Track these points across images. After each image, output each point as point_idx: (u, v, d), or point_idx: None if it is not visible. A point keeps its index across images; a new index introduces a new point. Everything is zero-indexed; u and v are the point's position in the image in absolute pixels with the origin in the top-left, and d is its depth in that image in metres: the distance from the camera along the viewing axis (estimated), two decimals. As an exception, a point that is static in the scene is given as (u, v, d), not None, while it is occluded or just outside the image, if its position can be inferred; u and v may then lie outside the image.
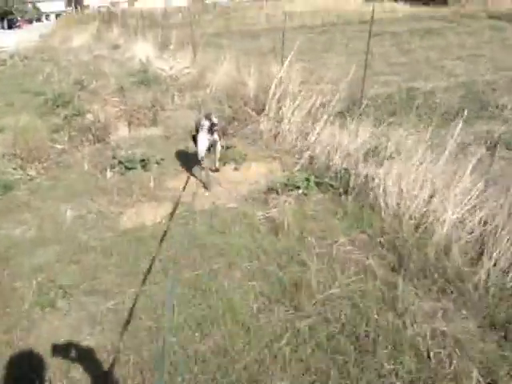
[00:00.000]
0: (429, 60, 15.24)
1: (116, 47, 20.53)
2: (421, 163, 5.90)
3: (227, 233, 5.68)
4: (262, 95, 9.37)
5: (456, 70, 13.55)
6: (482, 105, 9.80)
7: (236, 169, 7.37)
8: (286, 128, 8.08)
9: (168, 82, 11.84)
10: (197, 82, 12.06)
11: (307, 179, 6.54)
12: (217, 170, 7.18)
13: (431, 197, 5.52)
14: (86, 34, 26.08)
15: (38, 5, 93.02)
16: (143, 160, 7.60)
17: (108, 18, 31.15)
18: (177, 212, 6.17)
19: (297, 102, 8.22)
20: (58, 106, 12.04)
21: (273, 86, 8.79)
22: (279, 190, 6.33)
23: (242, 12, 46.02)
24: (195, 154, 6.79)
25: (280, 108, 8.59)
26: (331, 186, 6.47)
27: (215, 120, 6.56)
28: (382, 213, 5.69)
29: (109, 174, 7.39)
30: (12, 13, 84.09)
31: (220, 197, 6.54)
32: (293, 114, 8.13)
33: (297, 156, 7.57)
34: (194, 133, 6.87)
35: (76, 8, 53.65)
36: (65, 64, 17.82)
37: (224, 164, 7.47)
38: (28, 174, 7.76)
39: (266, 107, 8.69)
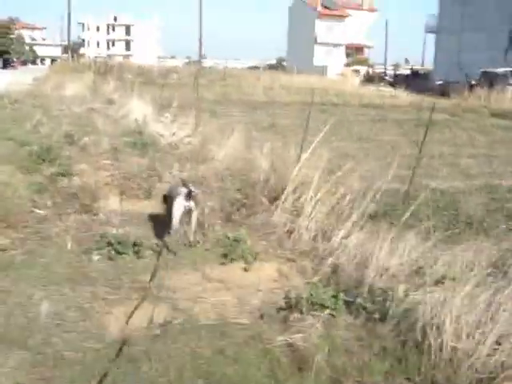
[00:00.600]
0: (443, 156, 14.46)
1: (111, 102, 19.68)
2: (481, 292, 4.83)
3: (240, 361, 4.49)
4: (275, 180, 8.33)
5: (472, 170, 12.75)
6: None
7: (246, 269, 6.25)
8: (305, 224, 7.01)
9: (167, 149, 10.77)
10: (198, 154, 11.08)
11: (335, 296, 5.43)
12: (191, 245, 6.77)
13: (499, 343, 4.43)
14: (81, 83, 25.26)
15: (35, 48, 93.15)
16: (136, 244, 6.43)
17: (104, 69, 30.48)
18: (175, 322, 4.98)
19: (319, 195, 7.16)
20: (43, 161, 10.96)
21: (294, 173, 7.77)
22: (303, 309, 5.17)
23: (237, 79, 45.94)
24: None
25: (298, 199, 7.53)
26: (363, 308, 5.34)
27: (193, 188, 6.47)
28: (433, 355, 4.55)
29: (95, 257, 6.21)
30: (9, 52, 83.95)
31: (228, 306, 5.36)
32: (314, 208, 7.05)
33: (315, 261, 6.46)
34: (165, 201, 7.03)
35: (72, 56, 53.39)
36: (56, 113, 16.88)
37: (231, 261, 6.32)
38: (0, 243, 6.53)
39: (283, 196, 7.63)
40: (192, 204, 6.47)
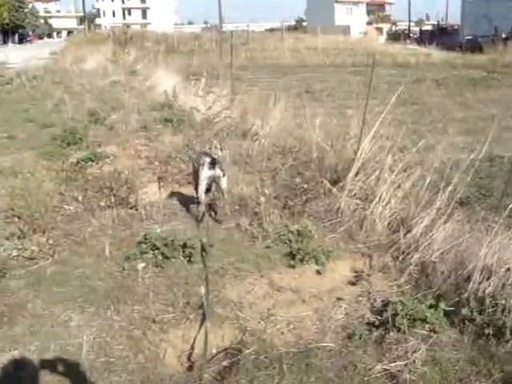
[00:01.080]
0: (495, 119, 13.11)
1: (134, 73, 18.60)
2: None
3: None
4: (334, 159, 7.24)
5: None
6: None
7: (319, 272, 5.23)
8: (378, 211, 5.93)
9: (203, 124, 9.70)
10: (238, 129, 9.95)
11: (434, 306, 4.40)
12: (218, 222, 6.46)
13: None
14: (100, 55, 24.16)
15: (50, 21, 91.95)
16: (186, 245, 5.44)
17: (123, 39, 29.27)
18: (246, 351, 4.01)
19: (393, 176, 6.09)
20: (68, 145, 9.97)
21: (361, 149, 6.68)
22: (402, 326, 4.17)
23: (260, 43, 44.40)
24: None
25: (365, 181, 6.46)
26: (470, 320, 4.33)
27: (215, 156, 6.25)
28: None
29: (140, 265, 5.23)
30: (24, 27, 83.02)
31: (306, 323, 4.35)
32: (387, 193, 5.98)
33: (397, 257, 5.41)
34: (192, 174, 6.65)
35: (89, 27, 52.21)
36: (77, 89, 15.85)
37: (300, 262, 5.30)
38: (27, 250, 5.59)
39: (348, 178, 6.55)
40: (218, 172, 6.12)
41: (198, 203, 6.30)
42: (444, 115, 14.02)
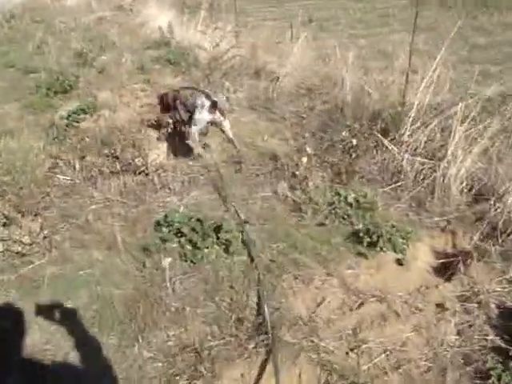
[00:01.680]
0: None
1: (120, 8, 16.57)
2: None
3: None
4: (377, 104, 5.77)
5: None
6: None
7: (400, 262, 3.84)
8: (451, 173, 4.52)
9: (211, 64, 8.10)
10: (249, 67, 8.36)
11: None
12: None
13: None
14: (82, -11, 21.79)
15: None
16: (219, 228, 4.04)
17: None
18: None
19: (465, 125, 4.68)
20: (55, 93, 8.32)
21: (409, 90, 5.27)
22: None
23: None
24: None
25: (427, 133, 5.04)
26: None
27: (216, 98, 5.47)
28: None
29: (166, 260, 3.82)
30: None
31: (410, 353, 3.02)
32: (460, 148, 4.57)
33: (487, 231, 4.06)
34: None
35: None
36: (60, 28, 13.94)
37: (372, 247, 3.93)
38: (15, 242, 4.17)
39: (402, 129, 5.12)
40: (217, 115, 5.53)
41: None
42: (465, 42, 12.42)
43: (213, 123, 5.70)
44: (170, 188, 5.08)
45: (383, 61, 8.88)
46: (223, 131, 5.77)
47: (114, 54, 10.70)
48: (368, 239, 4.03)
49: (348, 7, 18.75)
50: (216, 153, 5.73)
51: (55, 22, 14.88)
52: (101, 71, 9.75)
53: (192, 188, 5.11)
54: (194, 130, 5.57)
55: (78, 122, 7.20)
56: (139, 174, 5.42)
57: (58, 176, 5.44)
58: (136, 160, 5.68)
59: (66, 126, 7.10)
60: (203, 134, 5.87)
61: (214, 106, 5.44)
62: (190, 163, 5.71)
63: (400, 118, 5.45)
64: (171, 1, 14.96)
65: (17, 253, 4.14)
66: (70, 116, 7.27)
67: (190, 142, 5.62)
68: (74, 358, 3.07)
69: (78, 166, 5.51)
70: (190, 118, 5.66)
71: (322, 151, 5.28)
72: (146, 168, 5.39)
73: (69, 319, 3.39)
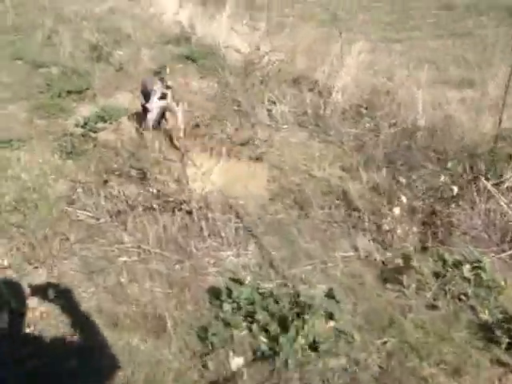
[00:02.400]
0: None
1: (132, -2, 15.11)
2: None
3: None
4: (465, 133, 4.51)
5: None
6: None
7: None
8: None
9: (247, 69, 6.81)
10: (290, 75, 7.07)
11: None
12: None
13: None
14: (91, -24, 20.24)
15: None
16: (302, 309, 2.78)
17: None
18: None
19: None
20: (69, 93, 7.00)
21: None
22: None
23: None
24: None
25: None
26: None
27: (169, 82, 5.40)
28: None
29: (235, 363, 2.59)
30: None
31: None
32: None
33: None
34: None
35: None
36: (71, 16, 12.46)
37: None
38: (24, 312, 2.91)
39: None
40: (169, 101, 5.41)
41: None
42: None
43: (163, 110, 5.48)
44: (221, 236, 3.78)
45: (434, 72, 7.59)
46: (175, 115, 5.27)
47: (130, 49, 9.39)
48: (507, 339, 2.77)
49: (368, 5, 17.42)
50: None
51: (65, 10, 13.44)
52: (118, 68, 8.40)
53: (248, 237, 3.83)
54: (149, 117, 5.48)
55: (95, 131, 5.91)
56: (178, 210, 4.11)
57: (77, 211, 4.10)
58: (171, 187, 4.40)
59: (82, 135, 5.82)
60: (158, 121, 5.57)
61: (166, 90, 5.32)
62: (237, 193, 4.42)
63: (500, 156, 4.18)
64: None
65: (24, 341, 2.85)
66: (86, 124, 6.00)
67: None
68: None
69: (101, 197, 4.17)
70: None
71: (412, 197, 4.00)
72: (189, 201, 4.09)
73: None
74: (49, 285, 3.29)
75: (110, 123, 6.09)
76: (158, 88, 5.47)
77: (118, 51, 9.17)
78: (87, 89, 7.36)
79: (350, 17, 14.56)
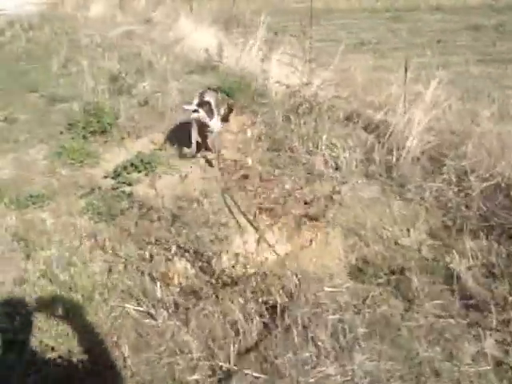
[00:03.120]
0: None
1: (148, 22, 14.36)
2: None
3: None
4: None
5: None
6: None
7: None
8: None
9: (298, 106, 5.93)
10: (346, 112, 6.19)
11: None
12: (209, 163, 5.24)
13: None
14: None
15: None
16: None
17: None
18: None
19: None
20: (93, 134, 6.15)
21: None
22: None
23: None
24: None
25: None
26: None
27: (207, 98, 5.28)
28: None
29: None
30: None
31: None
32: None
33: None
34: None
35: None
36: (86, 42, 11.68)
37: None
38: None
39: None
40: (201, 113, 5.11)
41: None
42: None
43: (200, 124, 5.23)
44: (316, 344, 2.85)
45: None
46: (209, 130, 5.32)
47: (154, 80, 8.46)
48: None
49: (389, 29, 16.67)
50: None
51: (79, 35, 12.66)
52: (143, 103, 7.53)
53: (352, 343, 2.90)
54: (193, 137, 5.35)
55: (130, 184, 4.98)
56: (255, 302, 3.20)
57: (126, 305, 3.19)
58: (234, 267, 3.51)
59: (113, 189, 4.91)
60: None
61: (201, 104, 5.16)
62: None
63: None
64: (210, 16, 12.70)
65: None
66: (118, 175, 5.06)
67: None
68: None
69: (148, 279, 3.26)
70: None
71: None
72: (267, 294, 3.17)
73: None
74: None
75: (146, 174, 5.17)
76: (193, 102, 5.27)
77: (142, 83, 8.27)
78: (111, 127, 6.45)
79: (378, 40, 13.83)
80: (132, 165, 5.33)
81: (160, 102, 7.43)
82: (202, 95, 5.35)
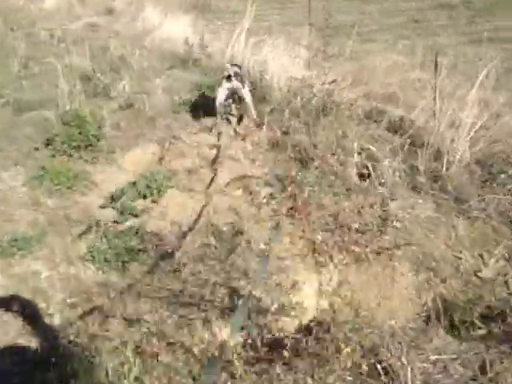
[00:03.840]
0: None
1: (110, 12, 13.07)
2: None
3: None
4: None
5: None
6: None
7: None
8: None
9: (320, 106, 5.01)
10: (364, 108, 5.31)
11: None
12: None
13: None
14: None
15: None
16: None
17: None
18: None
19: None
20: (76, 149, 5.06)
21: None
22: None
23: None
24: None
25: None
26: None
27: (237, 69, 5.55)
28: None
29: None
30: None
31: None
32: None
33: None
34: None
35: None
36: (45, 37, 10.36)
37: None
38: None
39: None
40: (235, 83, 5.39)
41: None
42: None
43: (231, 91, 5.41)
44: None
45: None
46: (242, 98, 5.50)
47: (133, 78, 7.37)
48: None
49: (361, 9, 15.85)
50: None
51: (36, 29, 11.29)
52: (126, 106, 6.46)
53: None
54: (218, 100, 5.41)
55: (136, 215, 3.99)
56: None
57: None
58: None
59: (115, 222, 3.90)
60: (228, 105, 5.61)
61: (229, 76, 5.33)
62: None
63: None
64: (177, 4, 11.54)
65: None
66: (120, 205, 4.04)
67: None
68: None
69: None
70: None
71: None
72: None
73: None
74: None
75: (154, 201, 4.17)
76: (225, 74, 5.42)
77: (119, 82, 7.17)
78: (98, 140, 5.39)
79: (355, 23, 12.89)
80: (134, 188, 4.30)
81: (146, 105, 6.35)
82: (232, 69, 5.53)
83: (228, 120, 5.75)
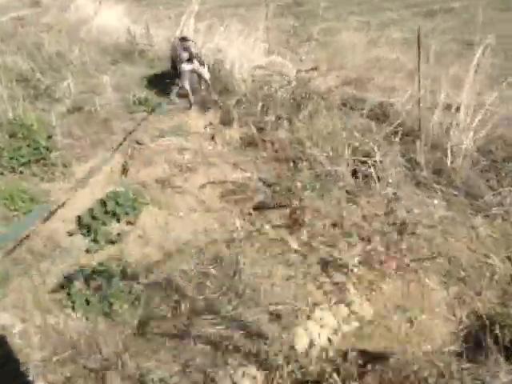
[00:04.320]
0: None
1: (38, 3, 12.00)
2: None
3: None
4: None
5: None
6: None
7: None
8: None
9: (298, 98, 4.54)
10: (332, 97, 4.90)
11: None
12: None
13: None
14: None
15: None
16: None
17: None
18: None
19: None
20: (26, 165, 4.36)
21: None
22: None
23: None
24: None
25: None
26: None
27: (193, 49, 5.44)
28: None
29: None
30: None
31: None
32: None
33: None
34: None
35: None
36: (-33, 35, 9.32)
37: None
38: None
39: None
40: (196, 64, 5.38)
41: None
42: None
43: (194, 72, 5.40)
44: None
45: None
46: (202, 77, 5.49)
47: (76, 77, 6.64)
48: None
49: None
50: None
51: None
52: (74, 110, 5.76)
53: None
54: (183, 81, 5.40)
55: (112, 241, 3.41)
56: None
57: None
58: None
59: (89, 253, 3.32)
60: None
61: (190, 56, 5.30)
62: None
63: None
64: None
65: None
66: (88, 229, 3.46)
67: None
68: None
69: None
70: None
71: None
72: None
73: None
74: None
75: (130, 222, 3.59)
76: (184, 57, 5.35)
77: (62, 81, 6.42)
78: (50, 151, 4.71)
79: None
80: (104, 208, 3.69)
81: (97, 106, 5.67)
82: (187, 48, 5.39)
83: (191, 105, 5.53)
